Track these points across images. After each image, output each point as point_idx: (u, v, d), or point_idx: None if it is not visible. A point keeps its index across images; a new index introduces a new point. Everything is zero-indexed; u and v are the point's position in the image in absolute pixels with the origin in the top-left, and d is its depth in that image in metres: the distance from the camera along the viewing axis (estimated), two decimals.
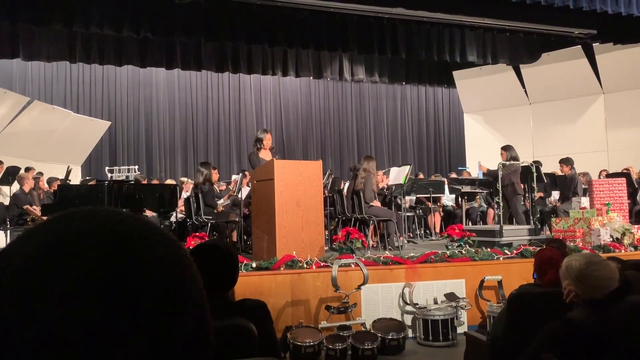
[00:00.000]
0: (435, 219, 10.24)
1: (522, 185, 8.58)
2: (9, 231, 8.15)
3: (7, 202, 8.64)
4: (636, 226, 7.49)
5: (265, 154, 7.44)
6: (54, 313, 0.46)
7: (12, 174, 8.79)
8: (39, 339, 0.45)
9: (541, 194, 10.07)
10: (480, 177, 9.57)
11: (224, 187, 10.18)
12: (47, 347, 0.45)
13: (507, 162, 8.32)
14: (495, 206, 9.12)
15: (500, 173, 7.98)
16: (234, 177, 10.64)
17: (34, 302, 0.46)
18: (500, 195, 8.03)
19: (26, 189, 8.65)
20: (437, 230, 10.08)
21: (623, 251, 6.77)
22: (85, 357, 0.45)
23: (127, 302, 0.48)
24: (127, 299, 0.48)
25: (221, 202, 8.62)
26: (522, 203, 9.17)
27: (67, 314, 0.46)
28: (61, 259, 0.48)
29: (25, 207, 8.33)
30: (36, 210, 8.34)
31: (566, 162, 9.47)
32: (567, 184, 9.42)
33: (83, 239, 0.50)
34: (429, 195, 9.82)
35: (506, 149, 8.67)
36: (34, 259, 0.49)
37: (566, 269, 2.56)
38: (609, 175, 10.19)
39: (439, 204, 10.65)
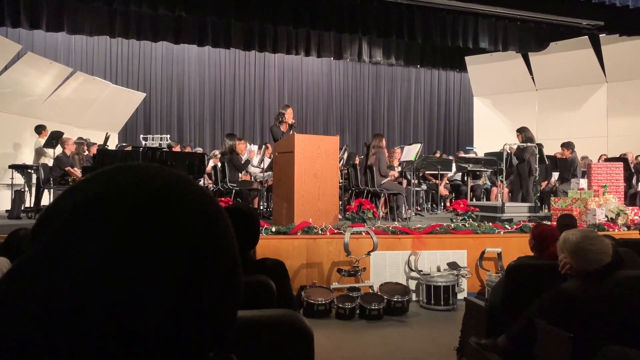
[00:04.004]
0: (443, 194, 10.21)
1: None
2: (52, 190, 8.28)
3: (50, 163, 8.76)
4: (630, 208, 7.41)
5: (285, 129, 7.42)
6: (95, 254, 0.47)
7: (55, 138, 8.88)
8: (84, 273, 0.47)
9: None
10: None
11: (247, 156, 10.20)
12: (90, 281, 0.46)
13: (525, 144, 8.27)
14: (499, 184, 9.06)
15: (526, 155, 8.02)
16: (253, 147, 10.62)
17: (79, 243, 0.48)
18: (516, 173, 8.00)
19: (68, 152, 8.75)
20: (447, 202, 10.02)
21: (617, 230, 6.71)
22: (121, 295, 0.47)
23: (161, 248, 0.49)
24: (162, 245, 0.49)
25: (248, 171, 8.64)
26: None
27: (106, 256, 0.47)
28: (105, 207, 0.50)
29: (67, 168, 8.44)
30: (77, 172, 8.45)
31: (567, 146, 9.35)
32: (567, 167, 9.31)
33: (126, 190, 0.51)
34: (436, 172, 9.77)
35: (521, 130, 8.53)
36: (83, 206, 0.50)
37: (563, 242, 2.55)
38: (607, 160, 10.04)
39: (445, 179, 10.60)
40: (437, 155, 12.49)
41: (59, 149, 8.85)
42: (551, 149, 10.38)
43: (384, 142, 7.97)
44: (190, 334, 0.51)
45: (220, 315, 0.54)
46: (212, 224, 0.54)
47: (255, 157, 9.18)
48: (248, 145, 9.16)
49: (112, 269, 0.47)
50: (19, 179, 9.09)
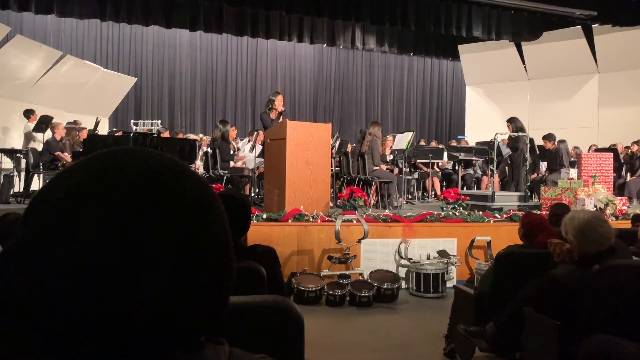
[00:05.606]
0: (435, 183, 10.24)
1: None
2: (41, 175, 8.22)
3: (40, 148, 8.68)
4: (619, 198, 7.48)
5: (274, 116, 7.37)
6: (89, 237, 0.47)
7: (45, 123, 8.78)
8: (75, 255, 0.47)
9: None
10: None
11: (240, 144, 10.18)
12: (83, 264, 0.46)
13: (515, 134, 8.29)
14: (490, 173, 9.10)
15: (520, 145, 8.04)
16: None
17: (72, 226, 0.48)
18: (509, 162, 8.04)
19: (58, 136, 8.67)
20: (438, 191, 10.05)
21: None
22: (114, 279, 0.47)
23: (156, 232, 0.49)
24: (156, 229, 0.49)
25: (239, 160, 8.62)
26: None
27: (99, 239, 0.47)
28: (99, 191, 0.50)
29: (56, 153, 8.37)
30: (67, 156, 8.38)
31: (548, 138, 9.38)
32: (553, 157, 9.37)
33: (120, 174, 0.51)
34: (428, 161, 9.79)
35: (511, 120, 8.54)
36: (76, 189, 0.50)
37: (571, 219, 2.53)
38: (597, 150, 10.10)
39: (437, 167, 10.63)
40: (422, 143, 12.51)
41: (48, 134, 8.76)
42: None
43: (380, 132, 7.95)
44: (183, 318, 0.51)
45: (212, 300, 0.54)
46: (207, 209, 0.54)
47: (246, 144, 9.15)
48: (238, 142, 9.14)
49: (105, 253, 0.47)
50: (8, 163, 9.01)
